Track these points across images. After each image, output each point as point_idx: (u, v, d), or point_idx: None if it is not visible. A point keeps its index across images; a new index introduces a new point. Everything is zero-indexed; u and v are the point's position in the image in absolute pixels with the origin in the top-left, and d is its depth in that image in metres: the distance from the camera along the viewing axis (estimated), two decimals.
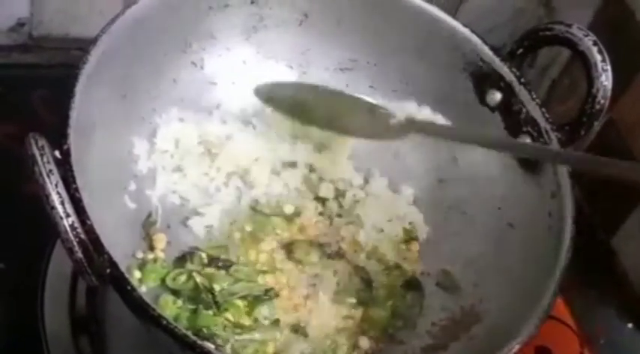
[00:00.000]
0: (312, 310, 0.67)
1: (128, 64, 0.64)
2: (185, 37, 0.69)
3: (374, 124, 0.69)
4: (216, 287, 0.65)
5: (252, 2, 0.71)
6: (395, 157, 0.75)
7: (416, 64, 0.73)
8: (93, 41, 0.60)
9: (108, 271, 0.52)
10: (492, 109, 0.70)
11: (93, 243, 0.51)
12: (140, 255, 0.65)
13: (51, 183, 0.51)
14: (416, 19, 0.71)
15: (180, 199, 0.69)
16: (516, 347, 0.56)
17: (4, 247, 0.72)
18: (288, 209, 0.72)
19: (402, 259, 0.71)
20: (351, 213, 0.72)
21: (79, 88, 0.57)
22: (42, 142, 0.52)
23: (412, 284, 0.69)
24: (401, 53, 0.73)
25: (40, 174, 0.51)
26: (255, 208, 0.71)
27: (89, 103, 0.58)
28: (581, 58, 0.65)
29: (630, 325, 0.84)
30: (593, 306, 0.84)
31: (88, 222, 0.51)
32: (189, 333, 0.52)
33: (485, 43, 0.70)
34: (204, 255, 0.66)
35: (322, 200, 0.73)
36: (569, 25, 0.66)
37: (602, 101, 0.65)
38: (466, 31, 0.70)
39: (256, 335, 0.64)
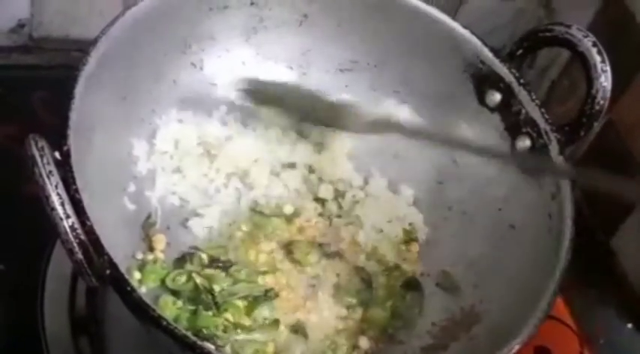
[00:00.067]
0: (311, 310, 0.67)
1: (128, 65, 0.64)
2: (185, 38, 0.69)
3: (348, 121, 0.69)
4: (216, 288, 0.65)
5: (251, 3, 0.71)
6: (395, 157, 0.75)
7: (416, 65, 0.73)
8: (93, 42, 0.60)
9: (108, 272, 0.52)
10: (492, 109, 0.70)
11: (93, 244, 0.51)
12: (140, 256, 0.65)
13: (51, 184, 0.51)
14: (416, 21, 0.71)
15: (180, 200, 0.69)
16: (516, 347, 0.56)
17: (4, 248, 0.72)
18: (288, 210, 0.72)
19: (401, 260, 0.71)
20: (350, 214, 0.72)
21: (79, 89, 0.57)
22: (42, 143, 0.52)
23: (412, 285, 0.69)
24: (401, 54, 0.73)
25: (40, 175, 0.51)
26: (254, 209, 0.71)
27: (89, 104, 0.58)
28: (580, 59, 0.65)
29: (630, 325, 0.84)
30: (593, 306, 0.84)
31: (88, 223, 0.51)
32: (189, 333, 0.52)
33: (485, 44, 0.70)
34: (203, 256, 0.66)
35: (322, 201, 0.73)
36: (569, 26, 0.66)
37: (601, 102, 0.65)
38: (466, 32, 0.70)
39: (256, 336, 0.64)
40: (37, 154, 0.52)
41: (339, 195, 0.73)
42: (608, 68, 0.64)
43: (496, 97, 0.70)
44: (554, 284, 0.60)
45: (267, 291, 0.66)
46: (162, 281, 0.64)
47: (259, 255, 0.69)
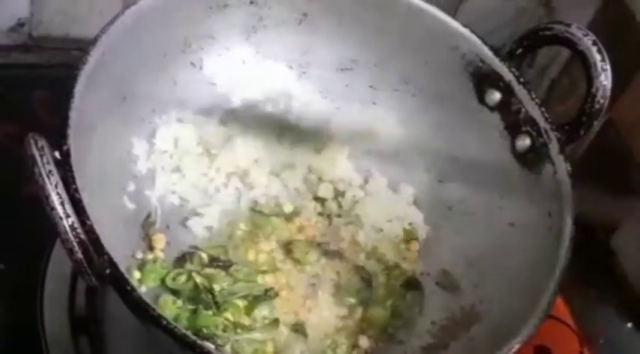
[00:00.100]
0: (311, 309, 0.67)
1: (128, 64, 0.64)
2: (184, 37, 0.69)
3: None
4: (216, 287, 0.65)
5: (251, 2, 0.70)
6: (395, 156, 0.75)
7: (416, 64, 0.73)
8: (92, 42, 0.59)
9: (108, 271, 0.52)
10: (492, 108, 0.70)
11: (93, 243, 0.51)
12: (140, 255, 0.65)
13: (51, 184, 0.51)
14: (416, 20, 0.71)
15: (180, 200, 0.69)
16: (516, 347, 0.56)
17: (4, 247, 0.72)
18: (288, 209, 0.72)
19: (401, 259, 0.71)
20: (350, 213, 0.72)
21: (79, 88, 0.57)
22: (42, 142, 0.52)
23: (412, 284, 0.69)
24: (401, 53, 0.73)
25: (40, 175, 0.51)
26: (254, 209, 0.71)
27: (89, 103, 0.58)
28: (580, 58, 0.65)
29: (630, 325, 0.84)
30: (593, 305, 0.84)
31: (88, 222, 0.51)
32: (189, 333, 0.52)
33: (485, 43, 0.70)
34: (203, 255, 0.66)
35: (321, 200, 0.73)
36: (569, 25, 0.66)
37: (601, 101, 0.65)
38: (466, 31, 0.70)
39: (256, 335, 0.64)
40: (36, 153, 0.51)
41: (338, 194, 0.73)
42: (608, 67, 0.64)
43: (496, 96, 0.70)
44: (554, 283, 0.60)
45: (266, 290, 0.66)
46: (162, 281, 0.64)
47: (259, 254, 0.69)
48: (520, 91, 0.68)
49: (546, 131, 0.66)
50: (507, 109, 0.69)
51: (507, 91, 0.69)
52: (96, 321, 0.68)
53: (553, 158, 0.66)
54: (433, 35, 0.71)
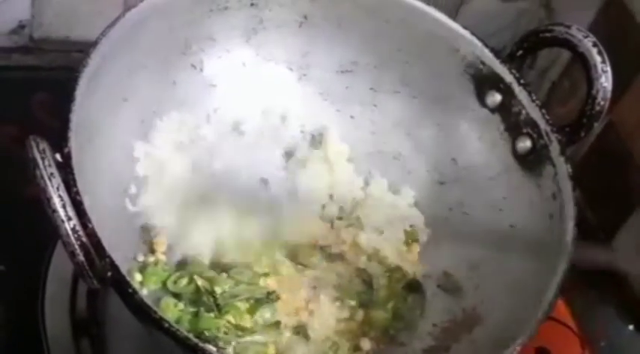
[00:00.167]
0: (313, 312, 0.67)
1: (128, 66, 0.64)
2: (185, 39, 0.69)
3: None
4: (218, 290, 0.64)
5: (251, 4, 0.70)
6: (395, 158, 0.75)
7: (416, 66, 0.73)
8: (93, 44, 0.60)
9: (109, 274, 0.52)
10: (492, 110, 0.70)
11: (94, 246, 0.51)
12: (141, 258, 0.65)
13: (52, 186, 0.51)
14: (416, 21, 0.71)
15: None
16: (517, 349, 0.56)
17: (5, 249, 0.72)
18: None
19: (402, 261, 0.71)
20: (351, 215, 0.72)
21: (80, 91, 0.57)
22: (43, 145, 0.52)
23: (413, 286, 0.69)
24: (401, 55, 0.73)
25: (42, 177, 0.51)
26: None
27: (90, 105, 0.58)
28: (580, 60, 0.65)
29: (631, 327, 0.84)
30: (594, 307, 0.84)
31: (90, 225, 0.51)
32: (190, 335, 0.52)
33: (486, 45, 0.70)
34: (205, 258, 0.66)
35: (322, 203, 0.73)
36: (569, 27, 0.66)
37: (602, 102, 0.65)
38: (466, 33, 0.70)
39: (258, 337, 0.64)
40: (38, 156, 0.51)
41: (339, 196, 0.73)
42: (608, 69, 0.64)
43: (496, 97, 0.70)
44: (555, 285, 0.60)
45: (268, 293, 0.66)
46: (164, 283, 0.64)
47: (261, 257, 0.69)
48: (521, 92, 0.68)
49: (547, 133, 0.66)
50: (508, 111, 0.69)
51: (508, 92, 0.69)
52: (97, 323, 0.68)
53: (554, 160, 0.66)
54: (433, 37, 0.71)
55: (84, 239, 0.51)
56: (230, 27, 0.71)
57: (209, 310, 0.63)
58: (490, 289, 0.66)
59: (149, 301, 0.53)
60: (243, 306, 0.65)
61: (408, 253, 0.71)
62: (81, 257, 0.51)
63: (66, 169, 0.53)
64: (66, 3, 0.84)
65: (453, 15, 0.78)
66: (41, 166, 0.51)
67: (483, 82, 0.70)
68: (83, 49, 0.60)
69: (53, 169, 0.51)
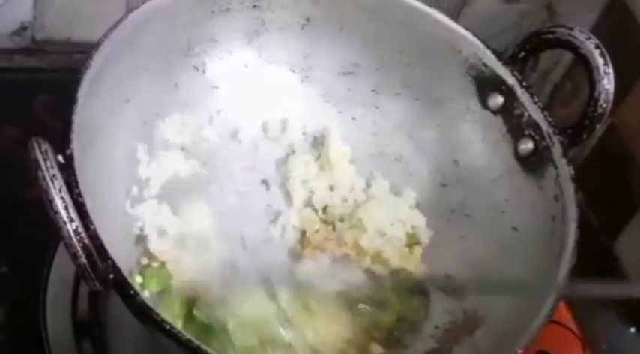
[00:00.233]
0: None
1: (131, 68, 0.64)
2: (187, 40, 0.69)
3: None
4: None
5: (254, 6, 0.70)
6: (397, 160, 0.75)
7: (418, 68, 0.73)
8: (95, 46, 0.60)
9: (111, 276, 0.52)
10: (494, 112, 0.70)
11: (96, 248, 0.51)
12: (144, 261, 0.64)
13: (54, 188, 0.51)
14: (417, 23, 0.71)
15: None
16: (519, 351, 0.56)
17: (7, 250, 0.72)
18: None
19: (404, 263, 0.71)
20: (353, 217, 0.72)
21: (82, 92, 0.57)
22: (45, 146, 0.52)
23: (418, 288, 0.69)
24: (403, 57, 0.73)
25: (44, 179, 0.51)
26: None
27: (92, 107, 0.58)
28: (582, 62, 0.65)
29: (632, 330, 0.84)
30: (596, 310, 0.83)
31: (92, 227, 0.51)
32: (193, 337, 0.52)
33: (488, 46, 0.70)
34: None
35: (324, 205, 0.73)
36: (571, 29, 0.66)
37: (604, 105, 0.65)
38: (468, 34, 0.70)
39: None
40: (40, 157, 0.52)
41: (341, 198, 0.73)
42: (610, 71, 0.64)
43: (498, 99, 0.70)
44: (557, 288, 0.59)
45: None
46: (166, 285, 0.64)
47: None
48: (523, 94, 0.68)
49: (549, 135, 0.66)
50: (510, 113, 0.69)
51: (510, 94, 0.69)
52: (99, 325, 0.68)
53: (556, 162, 0.66)
54: (435, 39, 0.71)
55: (86, 241, 0.51)
56: (232, 29, 0.71)
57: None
58: (492, 291, 0.66)
59: (150, 303, 0.52)
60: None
61: (409, 254, 0.71)
62: (83, 259, 0.51)
63: (68, 171, 0.53)
64: (68, 5, 0.84)
65: (455, 16, 0.78)
66: (43, 167, 0.51)
67: (485, 83, 0.70)
68: (85, 51, 0.60)
69: (55, 171, 0.51)
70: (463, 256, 0.69)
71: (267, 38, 0.72)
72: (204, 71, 0.71)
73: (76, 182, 0.52)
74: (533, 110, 0.68)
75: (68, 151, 0.54)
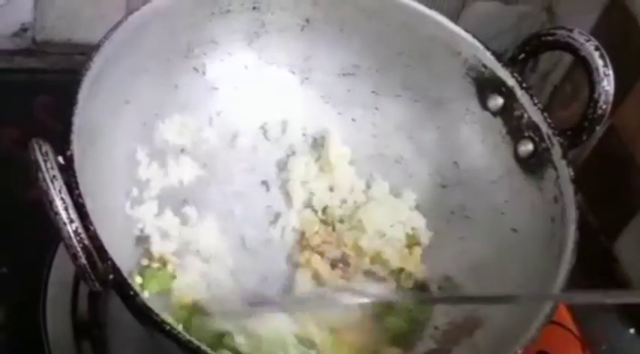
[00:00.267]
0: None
1: (131, 69, 0.64)
2: (187, 42, 0.69)
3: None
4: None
5: (254, 8, 0.70)
6: (397, 162, 0.75)
7: (418, 70, 0.73)
8: (96, 48, 0.60)
9: (111, 276, 0.52)
10: (494, 113, 0.71)
11: (96, 249, 0.51)
12: (145, 262, 0.65)
13: (55, 189, 0.51)
14: (417, 25, 0.71)
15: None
16: (518, 352, 0.56)
17: (7, 251, 0.72)
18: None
19: (404, 264, 0.71)
20: (353, 218, 0.72)
21: (82, 94, 0.57)
22: (45, 147, 0.52)
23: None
24: (403, 59, 0.73)
25: (44, 180, 0.51)
26: None
27: (92, 108, 0.58)
28: (582, 63, 0.65)
29: (632, 331, 0.83)
30: (595, 311, 0.83)
31: (92, 227, 0.51)
32: (193, 339, 0.52)
33: (487, 48, 0.70)
34: None
35: (324, 206, 0.73)
36: (571, 30, 0.66)
37: (603, 106, 0.65)
38: (468, 36, 0.70)
39: None
40: (40, 158, 0.52)
41: (341, 199, 0.73)
42: (610, 72, 0.64)
43: (498, 101, 0.70)
44: (557, 289, 0.59)
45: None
46: (166, 286, 0.64)
47: None
48: (522, 96, 0.68)
49: (549, 136, 0.66)
50: (510, 115, 0.69)
51: (510, 96, 0.69)
52: (98, 325, 0.68)
53: (555, 163, 0.66)
54: (435, 40, 0.71)
55: (86, 242, 0.51)
56: (232, 30, 0.71)
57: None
58: (491, 293, 0.66)
59: (150, 304, 0.52)
60: None
61: (409, 256, 0.71)
62: (83, 260, 0.51)
63: (68, 172, 0.53)
64: (68, 6, 0.84)
65: (455, 18, 0.78)
66: (44, 168, 0.51)
67: (485, 85, 0.70)
68: (85, 52, 0.60)
69: (55, 172, 0.52)
70: (463, 257, 0.69)
71: (267, 40, 0.72)
72: (204, 73, 0.71)
73: (76, 183, 0.53)
74: (533, 112, 0.68)
75: (68, 152, 0.54)
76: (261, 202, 0.72)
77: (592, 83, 0.65)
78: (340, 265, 0.70)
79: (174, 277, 0.65)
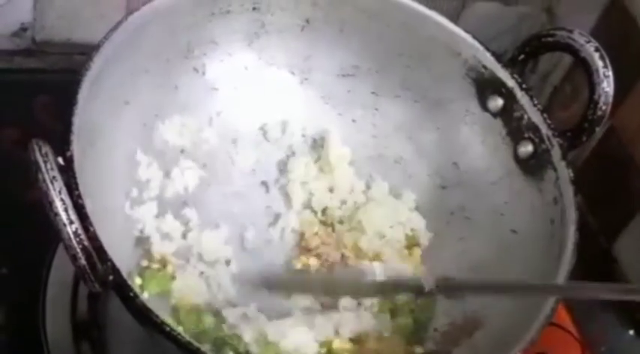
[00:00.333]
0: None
1: (131, 70, 0.64)
2: (187, 42, 0.69)
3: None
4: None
5: (254, 8, 0.70)
6: (396, 162, 0.75)
7: (418, 70, 0.73)
8: (95, 48, 0.60)
9: (111, 277, 0.52)
10: (494, 114, 0.71)
11: (96, 250, 0.51)
12: (144, 263, 0.64)
13: (54, 189, 0.51)
14: (417, 26, 0.71)
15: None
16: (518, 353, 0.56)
17: (7, 252, 0.72)
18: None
19: (404, 265, 0.71)
20: (352, 219, 0.72)
21: (82, 94, 0.57)
22: (45, 148, 0.52)
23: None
24: (403, 59, 0.73)
25: (44, 180, 0.51)
26: None
27: (92, 109, 0.58)
28: (582, 65, 0.65)
29: (631, 332, 0.84)
30: (595, 312, 0.83)
31: (92, 228, 0.51)
32: (192, 340, 0.52)
33: (487, 49, 0.70)
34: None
35: (324, 207, 0.73)
36: (571, 31, 0.66)
37: (603, 107, 0.65)
38: (468, 37, 0.70)
39: None
40: (40, 159, 0.52)
41: (341, 200, 0.73)
42: (610, 73, 0.64)
43: (498, 102, 0.70)
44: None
45: None
46: (165, 287, 0.64)
47: None
48: (522, 97, 0.68)
49: (548, 138, 0.66)
50: (509, 116, 0.69)
51: (510, 97, 0.69)
52: (98, 326, 0.68)
53: (555, 164, 0.66)
54: (435, 41, 0.71)
55: (85, 243, 0.51)
56: (232, 31, 0.71)
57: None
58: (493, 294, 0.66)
59: (150, 305, 0.52)
60: None
61: (409, 256, 0.71)
62: (82, 261, 0.51)
63: (68, 173, 0.53)
64: (68, 6, 0.84)
65: (455, 19, 0.78)
66: (43, 169, 0.51)
67: (485, 86, 0.70)
68: (85, 52, 0.60)
69: (55, 173, 0.52)
70: (462, 258, 0.69)
71: (267, 40, 0.72)
72: (204, 73, 0.71)
73: (76, 184, 0.53)
74: (532, 113, 0.68)
75: (68, 153, 0.54)
76: (260, 202, 0.72)
77: (592, 84, 0.65)
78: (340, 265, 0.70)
79: (173, 278, 0.64)
